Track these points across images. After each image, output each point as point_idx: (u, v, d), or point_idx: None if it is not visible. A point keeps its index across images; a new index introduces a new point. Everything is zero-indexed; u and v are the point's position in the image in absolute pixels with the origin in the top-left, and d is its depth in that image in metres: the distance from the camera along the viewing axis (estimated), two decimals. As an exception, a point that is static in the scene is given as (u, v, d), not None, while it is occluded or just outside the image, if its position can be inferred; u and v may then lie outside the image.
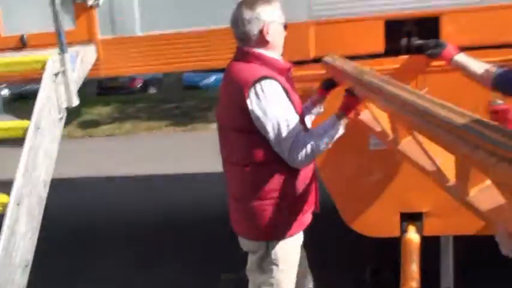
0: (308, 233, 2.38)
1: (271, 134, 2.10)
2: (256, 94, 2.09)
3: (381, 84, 1.94)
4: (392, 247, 2.91)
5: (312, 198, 2.34)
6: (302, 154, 2.10)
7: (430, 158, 1.74)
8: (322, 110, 2.59)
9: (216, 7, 2.90)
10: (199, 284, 3.96)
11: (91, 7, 3.01)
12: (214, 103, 12.22)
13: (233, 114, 2.19)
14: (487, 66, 2.33)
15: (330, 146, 2.16)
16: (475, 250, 3.11)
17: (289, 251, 2.31)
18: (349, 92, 2.17)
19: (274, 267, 2.28)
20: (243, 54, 2.22)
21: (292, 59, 2.46)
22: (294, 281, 2.39)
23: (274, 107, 2.09)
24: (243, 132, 2.17)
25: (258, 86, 2.09)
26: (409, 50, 2.71)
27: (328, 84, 2.54)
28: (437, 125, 1.44)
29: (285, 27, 2.26)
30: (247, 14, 2.16)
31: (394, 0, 2.69)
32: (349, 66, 2.40)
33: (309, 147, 2.10)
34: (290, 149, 2.10)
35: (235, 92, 2.15)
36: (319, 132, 2.14)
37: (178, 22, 2.99)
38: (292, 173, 2.19)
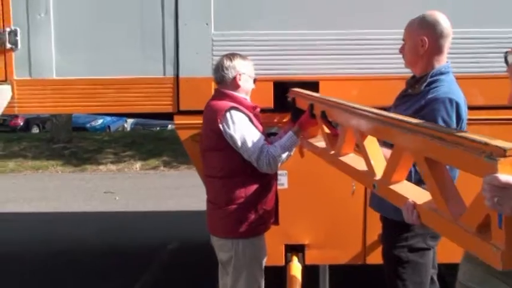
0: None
1: (242, 149, 2.73)
2: (227, 119, 2.74)
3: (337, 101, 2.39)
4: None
5: (272, 209, 2.94)
6: (267, 162, 2.72)
7: (367, 160, 2.09)
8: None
9: (127, 59, 3.26)
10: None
11: (9, 49, 3.23)
12: (103, 145, 12.08)
13: (209, 137, 2.83)
14: None
15: (289, 155, 2.82)
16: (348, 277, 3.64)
17: (255, 249, 2.86)
18: (310, 109, 2.66)
19: (243, 263, 2.80)
20: (218, 94, 2.90)
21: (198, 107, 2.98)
22: (263, 278, 2.91)
23: (242, 128, 2.74)
24: (216, 150, 2.80)
25: (228, 113, 2.75)
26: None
27: (296, 116, 2.98)
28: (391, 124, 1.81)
29: (254, 80, 2.93)
30: (226, 63, 2.84)
31: (283, 66, 3.24)
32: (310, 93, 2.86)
33: (271, 157, 2.72)
34: (257, 159, 2.72)
35: (211, 119, 2.80)
36: (280, 144, 2.76)
37: (92, 69, 3.30)
38: (256, 184, 2.80)
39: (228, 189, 2.81)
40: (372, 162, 2.05)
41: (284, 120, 3.23)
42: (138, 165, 10.35)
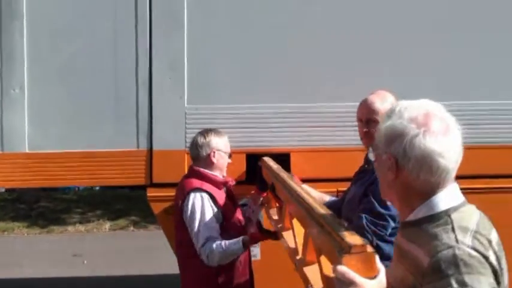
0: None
1: (191, 233, 2.78)
2: (186, 202, 2.80)
3: (288, 183, 2.42)
4: None
5: (245, 285, 2.91)
6: (206, 255, 2.72)
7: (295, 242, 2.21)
8: (260, 212, 3.16)
9: (101, 132, 3.30)
10: None
11: (-19, 125, 3.24)
12: (71, 205, 11.82)
13: (176, 217, 2.88)
14: (322, 195, 2.99)
15: (225, 261, 2.75)
16: None
17: None
18: (271, 189, 2.74)
19: None
20: (190, 172, 2.98)
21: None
22: None
23: (196, 214, 2.77)
24: (182, 231, 2.83)
25: (188, 196, 2.80)
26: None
27: (262, 186, 3.04)
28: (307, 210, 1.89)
29: (230, 155, 2.96)
30: (200, 140, 2.88)
31: (255, 138, 3.33)
32: (275, 168, 2.88)
33: (212, 252, 2.70)
34: (199, 250, 2.75)
35: (177, 201, 2.89)
36: (224, 246, 2.71)
37: (64, 142, 3.32)
38: (221, 266, 2.75)
39: (197, 269, 2.81)
40: (297, 240, 2.13)
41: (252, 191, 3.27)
42: (107, 225, 10.14)
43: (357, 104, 2.73)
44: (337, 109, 3.33)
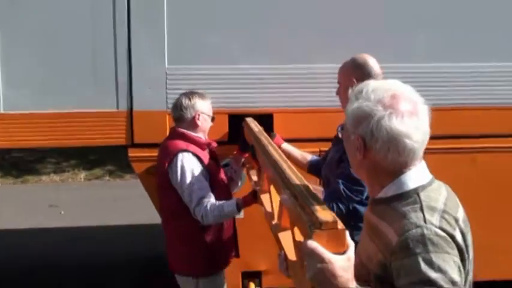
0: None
1: (183, 195, 2.78)
2: (175, 163, 2.78)
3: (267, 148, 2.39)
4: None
5: (230, 244, 2.98)
6: (201, 215, 2.74)
7: (271, 207, 2.23)
8: (242, 171, 3.21)
9: (80, 92, 3.23)
10: None
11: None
12: (43, 155, 11.61)
13: (161, 177, 2.86)
14: (305, 154, 3.03)
15: (219, 221, 2.81)
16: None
17: (215, 286, 2.91)
18: (251, 151, 2.74)
19: None
20: (173, 133, 2.95)
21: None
22: None
23: (186, 174, 2.76)
24: (168, 190, 2.84)
25: (175, 158, 2.78)
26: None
27: (244, 147, 3.06)
28: (282, 179, 1.88)
29: (212, 119, 2.96)
30: (185, 102, 2.87)
31: (237, 99, 3.30)
32: (256, 130, 2.86)
33: (206, 212, 2.73)
34: (193, 210, 2.77)
35: (162, 161, 2.86)
36: (219, 207, 2.74)
37: (42, 102, 3.23)
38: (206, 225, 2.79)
39: (183, 228, 2.86)
40: (274, 205, 2.15)
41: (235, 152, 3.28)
42: (82, 175, 10.10)
43: (339, 65, 2.72)
44: (319, 70, 3.31)
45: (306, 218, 1.39)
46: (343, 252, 1.29)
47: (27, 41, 3.20)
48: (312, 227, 1.31)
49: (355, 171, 1.57)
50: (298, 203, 1.52)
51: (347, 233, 1.31)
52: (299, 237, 1.59)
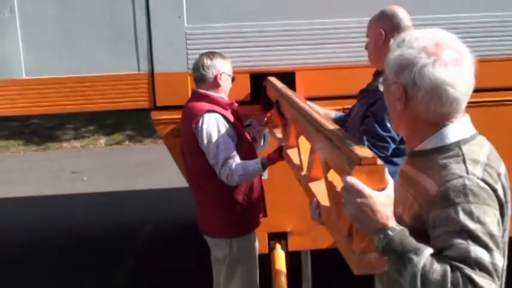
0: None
1: (209, 156, 2.77)
2: (201, 124, 2.76)
3: (294, 100, 2.39)
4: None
5: (260, 204, 2.99)
6: (226, 176, 2.74)
7: (300, 160, 2.21)
8: (266, 130, 3.20)
9: (99, 56, 3.19)
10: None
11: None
12: (61, 121, 11.66)
13: (188, 140, 2.85)
14: (328, 111, 2.97)
15: (244, 180, 2.79)
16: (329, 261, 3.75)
17: (249, 246, 2.94)
18: (277, 106, 2.69)
19: (237, 261, 2.86)
20: (195, 95, 2.92)
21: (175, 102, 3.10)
22: (257, 272, 3.00)
23: (212, 135, 2.75)
24: (197, 154, 2.81)
25: (201, 118, 2.76)
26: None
27: (266, 106, 3.04)
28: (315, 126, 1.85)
29: (233, 79, 2.93)
30: (207, 61, 2.83)
31: (259, 58, 3.24)
32: (280, 86, 2.83)
33: (231, 173, 2.72)
34: (219, 171, 2.76)
35: (188, 124, 2.82)
36: (244, 166, 2.72)
37: (62, 67, 3.21)
38: (238, 185, 2.80)
39: (214, 190, 2.85)
40: (302, 157, 2.14)
41: (257, 112, 3.24)
42: (102, 141, 10.18)
43: (364, 19, 2.64)
44: (343, 25, 3.22)
45: (344, 157, 1.37)
46: (383, 189, 1.28)
47: (45, 5, 3.14)
48: (351, 163, 1.30)
49: (395, 124, 1.53)
50: (335, 144, 1.51)
51: (386, 169, 1.29)
52: (333, 182, 1.58)
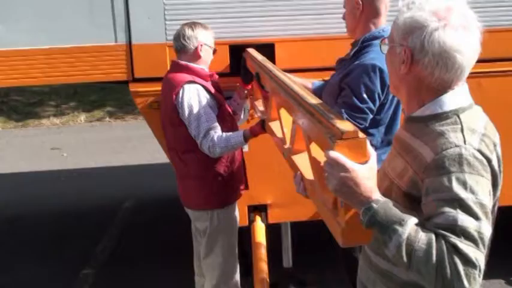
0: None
1: (191, 128, 2.74)
2: (181, 96, 2.73)
3: (274, 72, 2.35)
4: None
5: (241, 176, 2.98)
6: (207, 147, 2.72)
7: (282, 132, 2.18)
8: (246, 103, 3.17)
9: (76, 27, 3.13)
10: (56, 280, 4.11)
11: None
12: (42, 98, 11.48)
13: (168, 112, 2.80)
14: (305, 81, 2.93)
15: (226, 152, 2.77)
16: (308, 234, 3.79)
17: (229, 218, 2.94)
18: (257, 79, 2.64)
19: (218, 232, 2.86)
20: (175, 66, 2.87)
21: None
22: (236, 244, 3.00)
23: (193, 106, 2.72)
24: (177, 125, 2.78)
25: (182, 90, 2.73)
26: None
27: (246, 78, 3.00)
28: (295, 99, 1.84)
29: (214, 51, 2.88)
30: (188, 32, 2.77)
31: (238, 29, 3.20)
32: (260, 58, 2.78)
33: (213, 144, 2.69)
34: (201, 142, 2.73)
35: (168, 96, 2.79)
36: (226, 138, 2.70)
37: (38, 38, 3.13)
38: (219, 157, 2.78)
39: (195, 162, 2.83)
40: (285, 130, 2.12)
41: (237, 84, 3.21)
42: (82, 117, 10.06)
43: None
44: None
45: (326, 130, 1.37)
46: (365, 162, 1.28)
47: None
48: (332, 138, 1.29)
49: (394, 87, 1.51)
50: (316, 118, 1.49)
51: (368, 142, 1.29)
52: (316, 156, 1.58)
